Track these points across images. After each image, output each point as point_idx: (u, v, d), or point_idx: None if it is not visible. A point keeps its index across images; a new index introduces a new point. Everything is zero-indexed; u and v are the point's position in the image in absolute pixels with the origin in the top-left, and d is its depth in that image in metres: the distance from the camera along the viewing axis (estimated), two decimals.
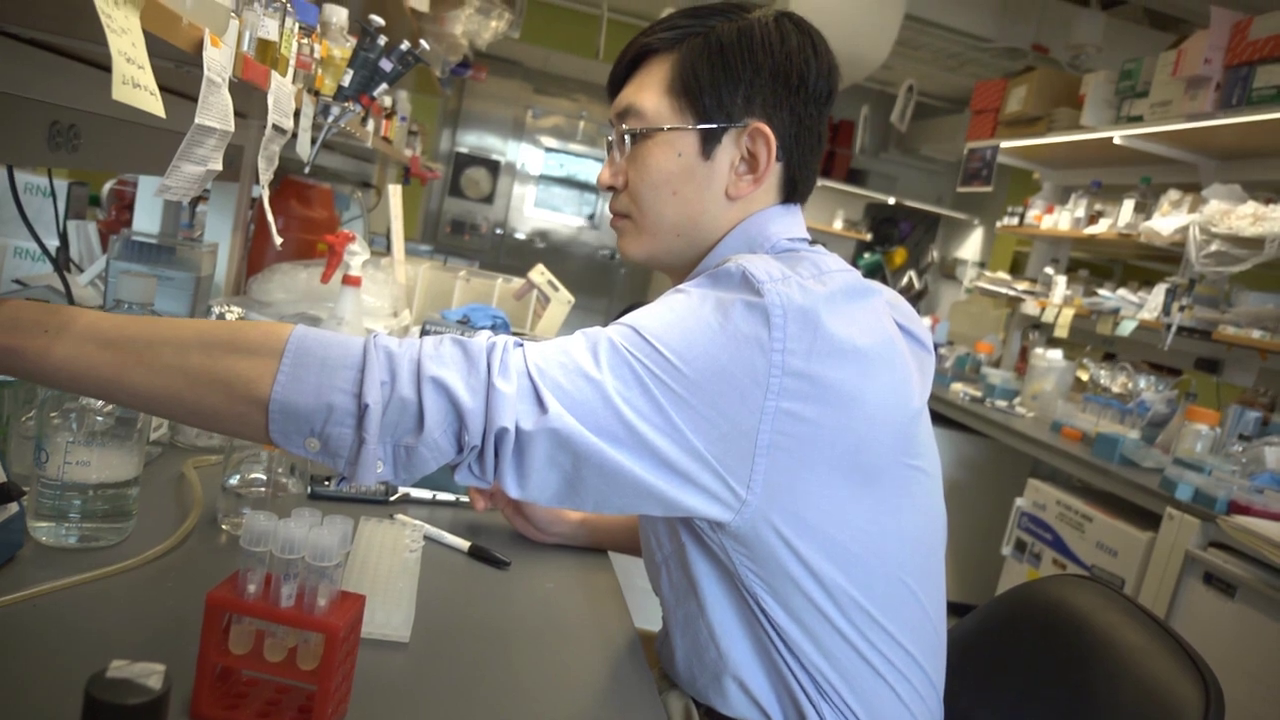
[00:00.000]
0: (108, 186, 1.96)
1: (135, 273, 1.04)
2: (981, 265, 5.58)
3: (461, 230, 6.80)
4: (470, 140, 6.79)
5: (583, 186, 7.04)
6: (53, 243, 1.61)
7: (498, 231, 6.91)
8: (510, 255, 6.71)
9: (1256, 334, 2.56)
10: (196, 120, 0.77)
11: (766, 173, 0.89)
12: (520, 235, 6.99)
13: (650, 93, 0.90)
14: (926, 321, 0.95)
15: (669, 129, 0.89)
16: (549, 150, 6.95)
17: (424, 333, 1.66)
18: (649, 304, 0.80)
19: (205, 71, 0.77)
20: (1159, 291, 2.95)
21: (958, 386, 3.63)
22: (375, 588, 0.85)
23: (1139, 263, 5.28)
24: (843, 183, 6.43)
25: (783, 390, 0.74)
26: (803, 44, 0.89)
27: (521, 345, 0.74)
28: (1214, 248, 2.66)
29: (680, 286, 0.82)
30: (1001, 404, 3.41)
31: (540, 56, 6.21)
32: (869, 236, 6.15)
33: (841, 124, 6.31)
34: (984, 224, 5.87)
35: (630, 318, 0.77)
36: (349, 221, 2.52)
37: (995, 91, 4.25)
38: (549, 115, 6.90)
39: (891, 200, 6.17)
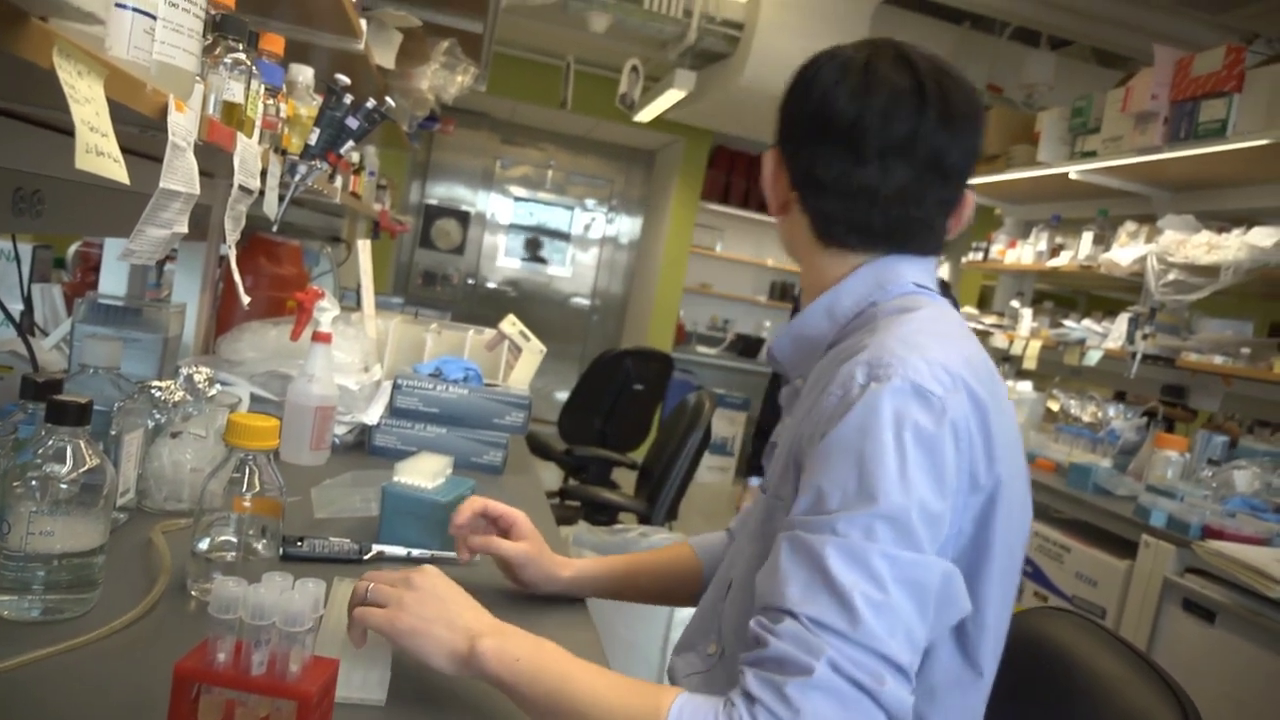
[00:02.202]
0: (73, 249, 1.94)
1: (100, 336, 1.03)
2: None
3: (433, 281, 6.80)
4: (439, 192, 6.82)
5: (553, 234, 7.09)
6: (17, 307, 1.59)
7: (469, 281, 6.92)
8: (482, 305, 6.72)
9: (1218, 359, 2.62)
10: (161, 184, 0.77)
11: (787, 198, 0.95)
12: (492, 285, 7.00)
13: None
14: None
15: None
16: (518, 199, 7.01)
17: (396, 388, 1.65)
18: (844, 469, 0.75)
19: (170, 137, 0.77)
20: (1122, 321, 3.00)
21: None
22: (349, 649, 0.84)
23: (1102, 293, 5.39)
24: None
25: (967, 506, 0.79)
26: (803, 75, 0.94)
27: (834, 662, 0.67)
28: (1172, 276, 2.72)
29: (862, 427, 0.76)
30: None
31: (507, 108, 6.28)
32: None
33: None
34: (950, 259, 5.96)
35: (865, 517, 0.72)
36: (319, 277, 2.52)
37: None
38: (517, 165, 6.96)
39: None
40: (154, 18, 0.75)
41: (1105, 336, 3.13)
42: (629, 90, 4.85)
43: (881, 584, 0.68)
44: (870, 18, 4.12)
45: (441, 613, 0.79)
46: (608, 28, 4.34)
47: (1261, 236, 2.50)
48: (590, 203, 7.11)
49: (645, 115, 5.26)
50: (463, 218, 6.83)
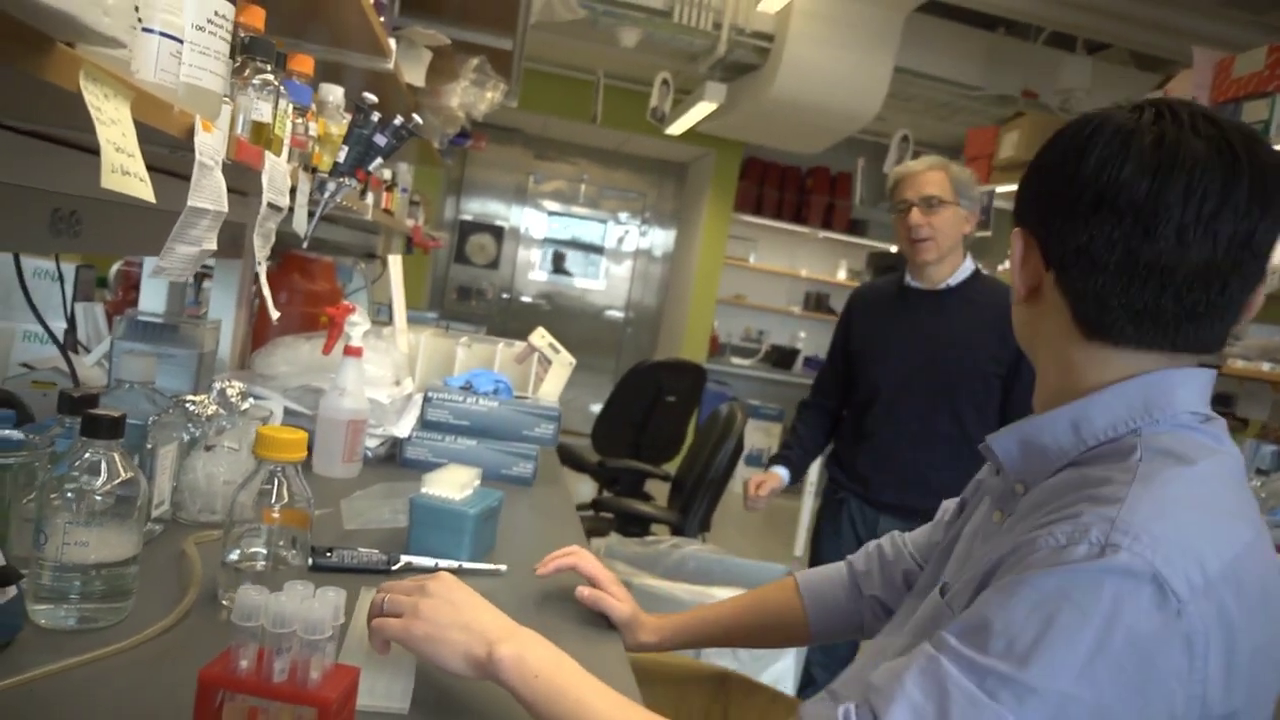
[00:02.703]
0: (115, 268, 2.00)
1: (136, 352, 1.06)
2: None
3: (468, 296, 6.87)
4: (474, 207, 6.90)
5: (586, 248, 7.13)
6: (60, 325, 1.64)
7: (504, 296, 6.98)
8: (517, 319, 6.77)
9: (1266, 366, 2.55)
10: (189, 203, 0.79)
11: (1039, 281, 0.82)
12: (526, 299, 7.05)
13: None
14: None
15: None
16: (552, 214, 7.06)
17: (427, 400, 1.67)
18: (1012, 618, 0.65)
19: (197, 156, 0.79)
20: None
21: None
22: (373, 657, 0.84)
23: None
24: (844, 233, 6.50)
25: None
26: (1065, 147, 0.80)
27: None
28: None
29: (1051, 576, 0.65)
30: None
31: (539, 123, 6.34)
32: None
33: (839, 176, 6.41)
34: (986, 267, 5.89)
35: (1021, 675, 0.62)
36: (353, 293, 2.55)
37: (988, 138, 4.31)
38: (550, 180, 7.02)
39: (893, 249, 6.20)
40: (180, 41, 0.77)
41: None
42: (660, 104, 4.87)
43: None
44: (902, 27, 4.10)
45: (456, 617, 0.79)
46: (638, 42, 4.37)
47: None
48: (623, 216, 7.14)
49: (676, 128, 5.28)
50: (497, 233, 6.91)
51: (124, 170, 0.62)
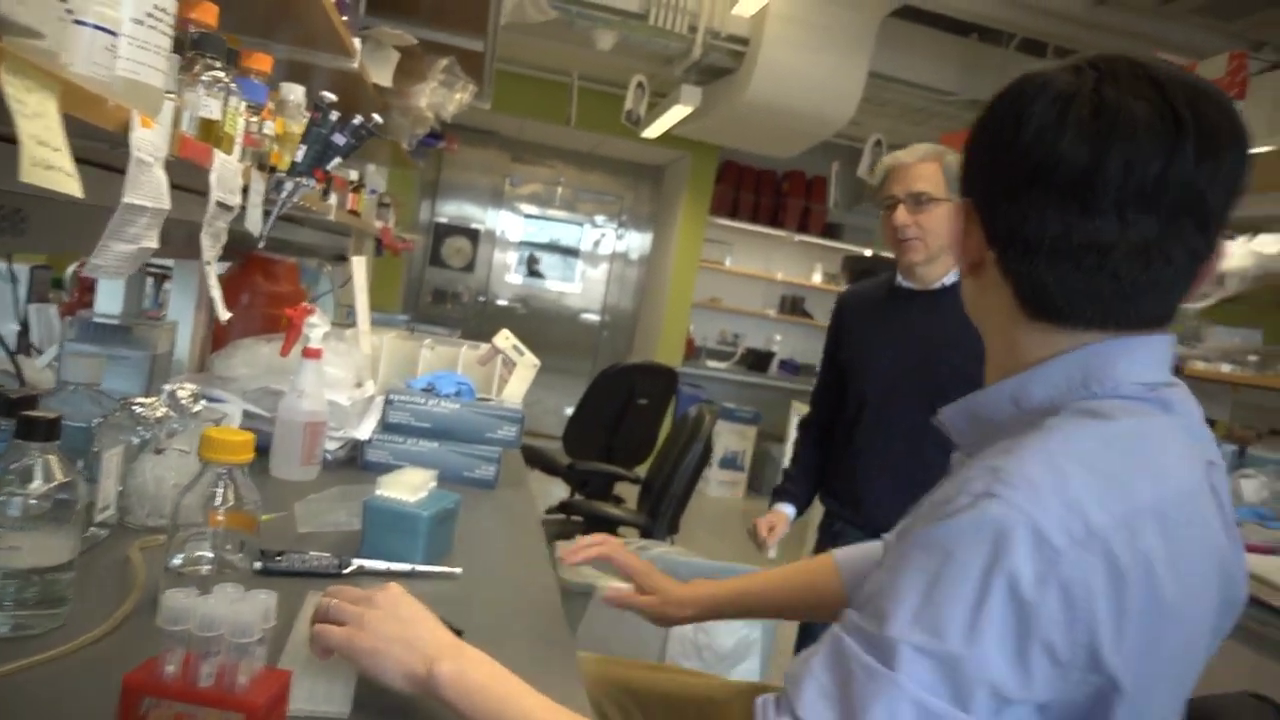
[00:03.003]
0: (71, 269, 1.97)
1: (84, 353, 1.04)
2: None
3: (444, 299, 6.83)
4: (450, 210, 6.87)
5: (563, 250, 7.12)
6: (14, 327, 1.62)
7: (480, 299, 6.95)
8: (492, 322, 6.74)
9: (1226, 368, 2.58)
10: (124, 199, 0.77)
11: (980, 257, 0.80)
12: (502, 302, 7.03)
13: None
14: None
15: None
16: (528, 216, 7.04)
17: (388, 403, 1.66)
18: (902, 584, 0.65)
19: (134, 152, 0.78)
20: None
21: None
22: (315, 660, 0.83)
23: None
24: (820, 237, 6.53)
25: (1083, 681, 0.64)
26: (1002, 112, 0.77)
27: None
28: None
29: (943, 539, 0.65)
30: None
31: (514, 125, 6.32)
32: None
33: (815, 179, 6.43)
34: None
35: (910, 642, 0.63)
36: (320, 296, 2.53)
37: (960, 143, 4.34)
38: (527, 183, 7.00)
39: (868, 252, 6.24)
40: (114, 34, 0.75)
41: None
42: (635, 106, 4.87)
43: None
44: (876, 31, 4.12)
45: (401, 633, 0.78)
46: (613, 45, 4.37)
47: (1267, 244, 2.47)
48: (600, 219, 7.14)
49: (652, 131, 5.28)
50: (473, 235, 6.88)
51: (47, 164, 0.61)
